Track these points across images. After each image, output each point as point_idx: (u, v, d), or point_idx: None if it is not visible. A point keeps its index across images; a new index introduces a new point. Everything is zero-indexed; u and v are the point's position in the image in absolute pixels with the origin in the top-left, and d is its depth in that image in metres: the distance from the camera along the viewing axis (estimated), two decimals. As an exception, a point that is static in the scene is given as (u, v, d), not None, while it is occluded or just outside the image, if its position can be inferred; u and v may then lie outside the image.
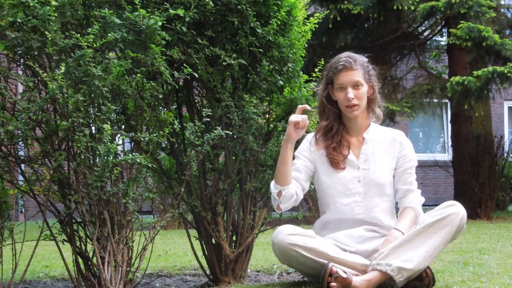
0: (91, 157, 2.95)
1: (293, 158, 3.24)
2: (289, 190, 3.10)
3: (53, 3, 2.85)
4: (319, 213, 3.36)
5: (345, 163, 3.17)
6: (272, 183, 3.13)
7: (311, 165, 3.22)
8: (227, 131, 3.34)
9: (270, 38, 3.45)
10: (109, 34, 2.90)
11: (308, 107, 3.12)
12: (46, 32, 2.81)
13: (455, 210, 3.00)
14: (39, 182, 3.04)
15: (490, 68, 8.92)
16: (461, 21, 9.29)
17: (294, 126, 3.03)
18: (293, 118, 3.03)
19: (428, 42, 11.99)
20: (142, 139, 3.06)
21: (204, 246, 3.68)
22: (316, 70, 3.73)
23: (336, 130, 3.18)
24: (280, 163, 3.08)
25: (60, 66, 2.83)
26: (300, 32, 3.68)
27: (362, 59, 3.18)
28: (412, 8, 9.71)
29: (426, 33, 11.61)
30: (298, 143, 3.42)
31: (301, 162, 3.22)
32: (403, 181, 3.20)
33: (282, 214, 3.85)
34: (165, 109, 3.43)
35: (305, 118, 3.03)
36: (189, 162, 3.27)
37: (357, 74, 3.12)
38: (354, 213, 3.15)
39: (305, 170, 3.21)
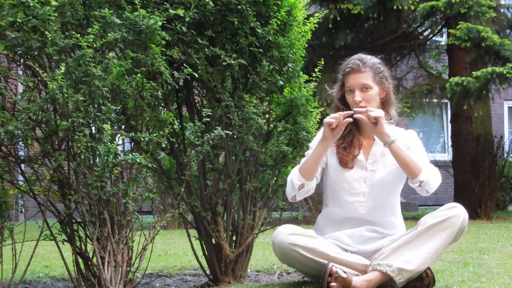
0: (91, 157, 2.95)
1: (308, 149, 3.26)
2: (311, 185, 3.11)
3: (53, 3, 2.85)
4: (319, 213, 3.36)
5: (354, 162, 3.16)
6: (297, 174, 3.11)
7: (325, 158, 3.22)
8: (227, 131, 3.33)
9: (270, 38, 3.45)
10: (109, 34, 2.90)
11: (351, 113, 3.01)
12: (46, 32, 2.81)
13: (456, 212, 3.00)
14: (39, 182, 3.04)
15: (489, 69, 8.92)
16: (460, 21, 9.29)
17: (329, 127, 3.00)
18: (326, 119, 3.00)
19: (428, 42, 11.98)
20: (142, 139, 3.06)
21: (204, 246, 3.68)
22: (316, 70, 3.73)
23: (348, 130, 3.16)
24: (312, 158, 3.07)
25: (60, 66, 2.83)
26: (300, 32, 3.67)
27: (373, 61, 3.15)
28: (412, 8, 9.71)
29: (426, 33, 11.61)
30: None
31: None
32: None
33: (282, 214, 3.86)
34: (165, 109, 3.42)
35: (338, 118, 2.98)
36: (189, 162, 3.26)
37: (364, 77, 3.09)
38: (357, 212, 3.15)
39: (320, 164, 3.20)
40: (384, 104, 3.18)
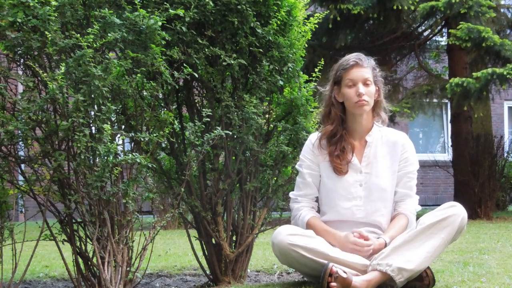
0: (91, 157, 2.95)
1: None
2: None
3: (53, 3, 2.85)
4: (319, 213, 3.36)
5: (348, 166, 3.17)
6: (303, 225, 3.17)
7: (317, 168, 3.22)
8: (227, 131, 3.33)
9: (270, 38, 3.45)
10: (109, 34, 2.90)
11: None
12: (46, 32, 2.81)
13: (455, 211, 3.01)
14: (39, 182, 3.04)
15: (489, 70, 8.91)
16: (461, 21, 9.29)
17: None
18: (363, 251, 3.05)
19: (428, 42, 11.98)
20: (142, 139, 3.06)
21: (204, 246, 3.68)
22: (316, 70, 3.73)
23: (339, 136, 3.17)
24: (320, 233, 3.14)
25: (60, 66, 2.83)
26: (300, 32, 3.67)
27: (371, 60, 3.22)
28: (412, 8, 9.71)
29: (426, 33, 11.61)
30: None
31: (308, 172, 3.22)
32: (403, 185, 3.19)
33: (282, 214, 3.86)
34: (165, 109, 3.43)
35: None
36: (189, 162, 3.26)
37: (367, 72, 3.14)
38: (355, 217, 3.15)
39: (315, 182, 3.22)
40: (375, 106, 3.20)
